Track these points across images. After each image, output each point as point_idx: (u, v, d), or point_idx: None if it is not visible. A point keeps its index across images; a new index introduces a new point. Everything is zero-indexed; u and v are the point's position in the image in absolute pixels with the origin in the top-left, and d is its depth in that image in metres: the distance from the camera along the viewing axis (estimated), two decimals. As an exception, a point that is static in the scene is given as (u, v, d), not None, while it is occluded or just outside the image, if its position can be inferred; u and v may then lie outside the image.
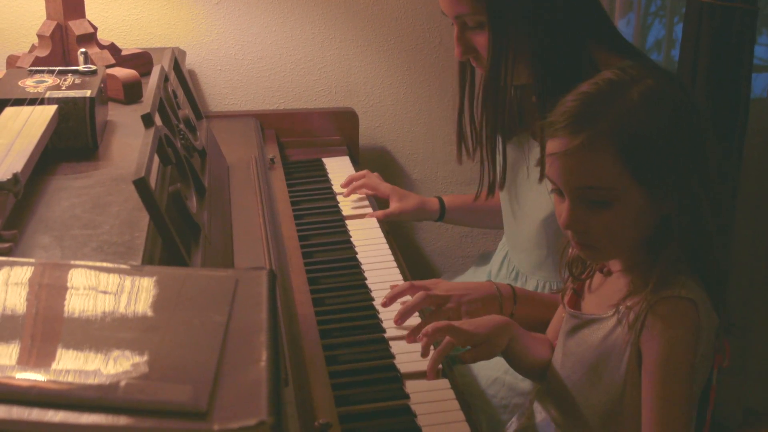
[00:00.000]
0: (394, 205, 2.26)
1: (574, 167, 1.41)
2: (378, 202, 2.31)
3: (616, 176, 1.39)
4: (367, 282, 1.90)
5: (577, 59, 1.78)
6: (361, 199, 2.30)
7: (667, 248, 1.44)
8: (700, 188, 1.42)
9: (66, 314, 0.98)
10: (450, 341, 1.58)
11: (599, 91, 1.43)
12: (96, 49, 2.24)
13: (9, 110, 1.71)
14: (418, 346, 1.66)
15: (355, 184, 2.32)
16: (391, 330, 1.73)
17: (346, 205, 2.28)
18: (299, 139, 2.64)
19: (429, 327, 1.59)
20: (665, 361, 1.40)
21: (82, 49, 2.00)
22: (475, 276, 2.24)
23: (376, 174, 2.36)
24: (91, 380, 0.84)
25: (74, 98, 1.76)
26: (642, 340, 1.42)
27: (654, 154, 1.39)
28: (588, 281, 1.60)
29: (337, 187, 2.37)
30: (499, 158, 1.97)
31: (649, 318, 1.41)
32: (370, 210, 2.26)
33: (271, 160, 2.39)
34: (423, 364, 1.61)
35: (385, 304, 1.79)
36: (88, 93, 1.78)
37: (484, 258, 2.30)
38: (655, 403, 1.41)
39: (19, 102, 1.75)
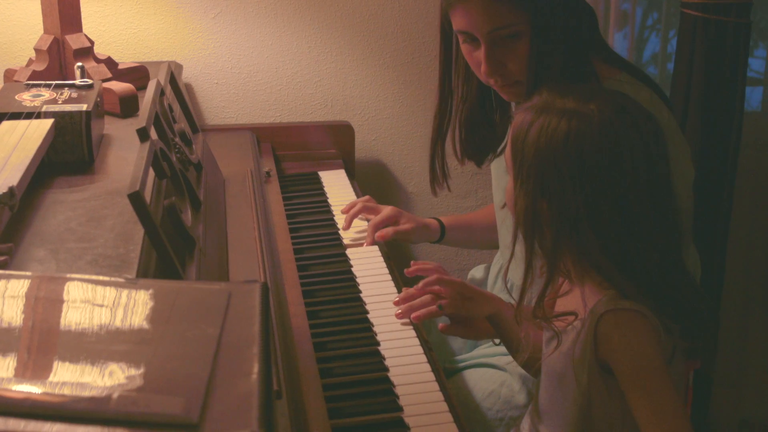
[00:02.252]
0: (393, 227, 2.19)
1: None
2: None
3: (509, 154, 1.54)
4: (361, 295, 1.90)
5: (579, 69, 1.78)
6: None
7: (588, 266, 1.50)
8: (588, 221, 1.45)
9: (61, 327, 0.99)
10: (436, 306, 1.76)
11: (539, 99, 1.53)
12: (93, 63, 2.25)
13: (6, 124, 1.71)
14: (412, 359, 1.67)
15: (352, 211, 2.22)
16: (385, 343, 1.73)
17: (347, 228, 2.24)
18: (295, 152, 2.64)
19: (420, 283, 1.79)
20: (640, 374, 1.43)
21: (79, 63, 2.01)
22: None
23: (368, 197, 2.30)
24: (85, 392, 0.85)
25: (70, 112, 1.76)
26: (603, 354, 1.45)
27: (524, 169, 1.49)
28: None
29: (332, 200, 2.37)
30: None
31: (600, 334, 1.45)
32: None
33: (267, 173, 2.39)
34: (417, 377, 1.62)
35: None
36: (84, 107, 1.78)
37: (480, 271, 2.30)
38: (649, 414, 1.43)
39: (15, 116, 1.76)
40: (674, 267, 1.50)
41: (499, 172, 2.04)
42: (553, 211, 1.46)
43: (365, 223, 2.21)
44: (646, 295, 1.47)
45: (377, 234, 2.15)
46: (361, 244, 2.15)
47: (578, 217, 1.45)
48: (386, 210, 2.21)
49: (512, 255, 1.55)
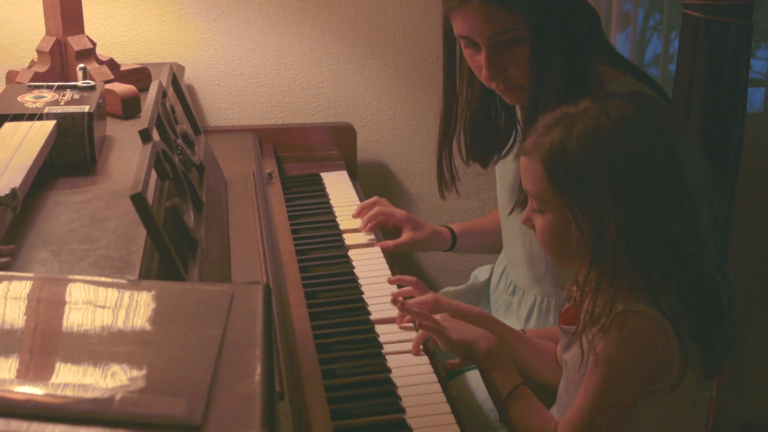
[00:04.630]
0: (406, 234, 2.19)
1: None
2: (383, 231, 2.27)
3: (545, 186, 1.47)
4: (364, 296, 1.90)
5: (581, 72, 1.77)
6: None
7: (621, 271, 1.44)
8: (650, 222, 1.42)
9: (63, 328, 0.99)
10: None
11: (551, 118, 1.49)
12: (95, 65, 2.25)
13: (8, 125, 1.72)
14: (414, 360, 1.68)
15: (369, 214, 2.22)
16: (388, 345, 1.73)
17: (351, 227, 2.24)
18: (297, 153, 2.64)
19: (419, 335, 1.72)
20: (603, 375, 1.42)
21: (81, 65, 2.01)
22: (473, 290, 2.24)
23: (384, 199, 2.29)
24: (88, 394, 0.85)
25: (73, 113, 1.76)
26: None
27: (579, 185, 1.43)
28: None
29: (334, 202, 2.37)
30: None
31: (609, 329, 1.43)
32: (374, 237, 2.19)
33: (269, 174, 2.39)
34: (419, 378, 1.62)
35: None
36: (86, 108, 1.79)
37: (483, 272, 2.30)
38: (577, 408, 1.44)
39: (18, 117, 1.76)
40: (715, 262, 1.48)
41: (504, 173, 2.04)
42: (626, 204, 1.40)
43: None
44: (681, 301, 1.44)
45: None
46: (372, 245, 2.15)
47: (653, 198, 1.40)
48: (398, 214, 2.21)
49: (583, 306, 1.52)
